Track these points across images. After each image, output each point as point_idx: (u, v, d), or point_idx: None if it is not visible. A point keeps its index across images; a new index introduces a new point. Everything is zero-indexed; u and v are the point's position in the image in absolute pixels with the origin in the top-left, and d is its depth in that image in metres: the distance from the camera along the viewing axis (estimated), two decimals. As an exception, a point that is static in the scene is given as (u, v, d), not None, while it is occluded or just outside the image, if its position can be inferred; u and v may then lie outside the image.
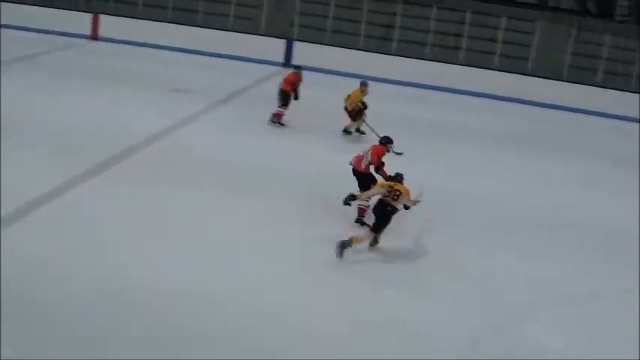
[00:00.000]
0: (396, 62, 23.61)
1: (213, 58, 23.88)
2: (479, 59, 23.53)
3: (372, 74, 19.85)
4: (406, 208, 10.91)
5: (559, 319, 9.51)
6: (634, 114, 22.14)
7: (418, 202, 11.16)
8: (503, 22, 23.81)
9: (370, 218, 11.08)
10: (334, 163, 13.28)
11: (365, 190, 11.61)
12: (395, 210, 10.70)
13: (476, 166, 15.52)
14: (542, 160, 16.65)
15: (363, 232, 10.93)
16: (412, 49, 23.87)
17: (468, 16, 24.00)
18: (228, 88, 20.02)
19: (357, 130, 16.64)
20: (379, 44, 24.24)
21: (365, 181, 12.20)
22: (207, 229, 10.70)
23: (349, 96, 16.39)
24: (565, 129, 20.77)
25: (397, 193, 10.67)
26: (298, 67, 17.26)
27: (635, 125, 21.73)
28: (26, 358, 7.48)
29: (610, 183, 15.73)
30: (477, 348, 8.54)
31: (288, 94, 16.63)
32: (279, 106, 16.65)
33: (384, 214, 10.76)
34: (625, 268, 11.15)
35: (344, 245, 10.36)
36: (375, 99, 16.68)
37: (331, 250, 10.11)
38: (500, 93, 22.84)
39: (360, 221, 11.76)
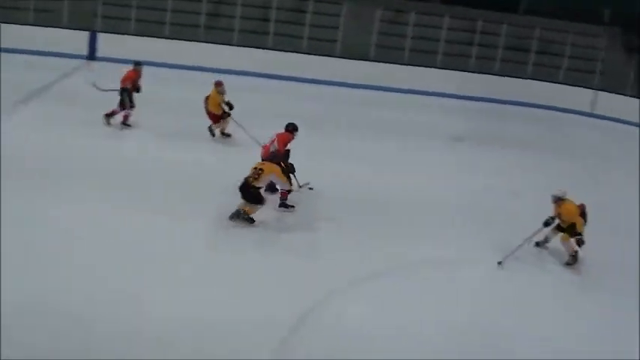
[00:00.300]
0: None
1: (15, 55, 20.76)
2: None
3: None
4: (275, 189, 12.25)
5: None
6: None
7: (302, 186, 12.77)
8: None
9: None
10: (201, 162, 14.42)
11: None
12: (257, 188, 11.80)
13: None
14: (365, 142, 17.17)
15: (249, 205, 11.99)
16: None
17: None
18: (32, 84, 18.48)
19: (222, 133, 16.28)
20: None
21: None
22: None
23: (207, 98, 15.83)
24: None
25: (259, 172, 11.77)
26: (138, 63, 16.48)
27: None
28: (26, 358, 7.90)
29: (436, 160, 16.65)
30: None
31: (130, 93, 16.08)
32: (124, 108, 16.12)
33: (248, 193, 11.86)
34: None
35: (238, 215, 11.87)
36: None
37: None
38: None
39: (283, 205, 12.76)
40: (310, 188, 13.33)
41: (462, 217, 13.63)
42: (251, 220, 11.99)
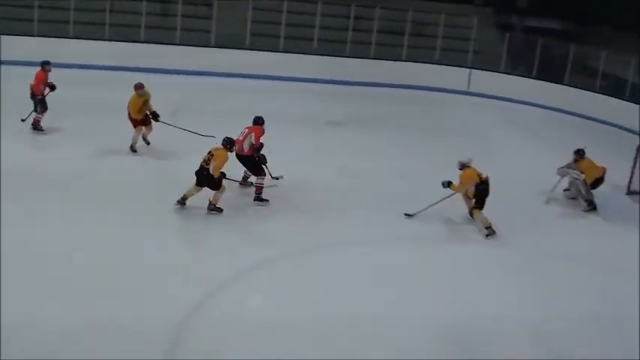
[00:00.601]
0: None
1: None
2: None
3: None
4: (222, 175, 12.12)
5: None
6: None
7: (276, 178, 13.01)
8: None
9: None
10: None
11: (255, 172, 12.87)
12: (208, 170, 11.98)
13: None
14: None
15: (191, 187, 12.23)
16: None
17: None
18: None
19: (144, 139, 15.16)
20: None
21: (250, 162, 12.95)
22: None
23: (130, 103, 14.68)
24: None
25: (210, 156, 12.02)
26: (46, 63, 15.47)
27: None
28: (26, 358, 7.97)
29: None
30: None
31: (42, 95, 15.17)
32: (38, 111, 15.22)
33: (201, 176, 12.12)
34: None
35: (182, 202, 12.17)
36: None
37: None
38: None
39: (258, 198, 12.86)
40: (277, 178, 13.41)
41: (349, 200, 13.55)
42: (219, 210, 12.31)
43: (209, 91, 20.53)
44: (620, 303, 10.89)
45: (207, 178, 12.12)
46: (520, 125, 20.52)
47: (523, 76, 23.67)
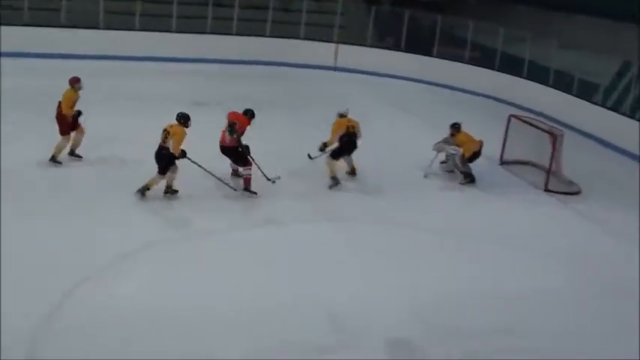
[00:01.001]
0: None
1: None
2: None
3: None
4: (183, 153, 11.62)
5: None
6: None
7: (272, 180, 12.49)
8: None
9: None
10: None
11: (241, 164, 12.45)
12: (167, 149, 11.54)
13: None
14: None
15: (154, 176, 11.79)
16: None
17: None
18: None
19: (72, 152, 13.32)
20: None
21: (234, 154, 12.46)
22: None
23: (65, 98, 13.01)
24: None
25: (167, 134, 11.59)
26: None
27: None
28: (26, 358, 7.69)
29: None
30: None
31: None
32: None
33: (160, 156, 11.69)
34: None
35: (143, 190, 11.77)
36: None
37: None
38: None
39: (247, 190, 12.39)
40: (274, 181, 12.87)
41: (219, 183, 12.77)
42: (174, 192, 12.10)
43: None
44: (500, 274, 10.80)
45: (167, 157, 11.64)
46: (391, 99, 20.33)
47: (391, 49, 23.47)
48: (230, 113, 12.76)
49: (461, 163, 14.25)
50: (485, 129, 15.18)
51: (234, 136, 12.14)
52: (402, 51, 23.19)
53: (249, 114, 12.75)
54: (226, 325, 8.80)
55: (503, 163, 15.54)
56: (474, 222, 12.67)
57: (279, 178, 12.87)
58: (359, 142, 13.39)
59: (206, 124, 12.62)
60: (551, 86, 20.08)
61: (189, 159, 11.87)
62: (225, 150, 12.52)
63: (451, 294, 9.97)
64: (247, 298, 9.38)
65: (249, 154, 12.53)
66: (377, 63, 22.69)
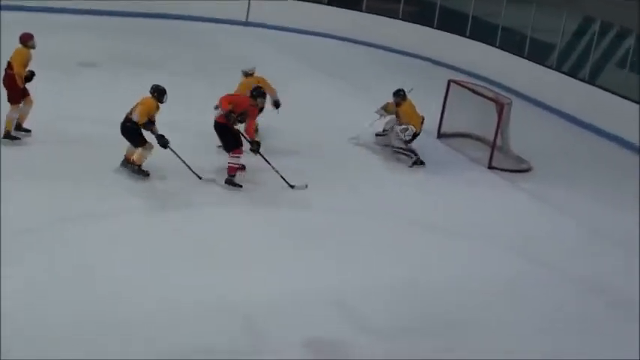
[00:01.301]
0: None
1: None
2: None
3: None
4: (150, 124, 11.16)
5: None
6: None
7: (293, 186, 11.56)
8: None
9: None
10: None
11: (227, 147, 11.63)
12: (131, 121, 11.08)
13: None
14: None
15: (134, 150, 11.29)
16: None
17: None
18: None
19: (19, 125, 12.07)
20: None
21: (222, 133, 11.72)
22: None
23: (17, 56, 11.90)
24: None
25: (135, 106, 11.23)
26: None
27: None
28: (26, 358, 7.60)
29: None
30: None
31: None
32: None
33: (124, 128, 11.18)
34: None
35: (125, 164, 11.33)
36: None
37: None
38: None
39: (230, 182, 11.64)
40: (293, 186, 11.83)
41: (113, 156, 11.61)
42: (144, 173, 11.39)
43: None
44: (436, 264, 10.15)
45: (132, 129, 11.21)
46: (313, 61, 18.73)
47: (313, 2, 21.61)
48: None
49: (404, 142, 13.25)
50: (420, 96, 13.74)
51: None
52: (325, 4, 21.70)
53: (256, 93, 11.88)
54: (121, 330, 7.96)
55: (441, 136, 14.64)
56: (406, 204, 11.79)
57: (306, 187, 11.82)
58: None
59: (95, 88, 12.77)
60: (498, 47, 18.76)
61: (151, 131, 11.27)
62: (215, 126, 11.80)
63: (380, 286, 9.40)
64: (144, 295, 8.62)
65: (259, 152, 11.82)
66: (296, 18, 21.01)
